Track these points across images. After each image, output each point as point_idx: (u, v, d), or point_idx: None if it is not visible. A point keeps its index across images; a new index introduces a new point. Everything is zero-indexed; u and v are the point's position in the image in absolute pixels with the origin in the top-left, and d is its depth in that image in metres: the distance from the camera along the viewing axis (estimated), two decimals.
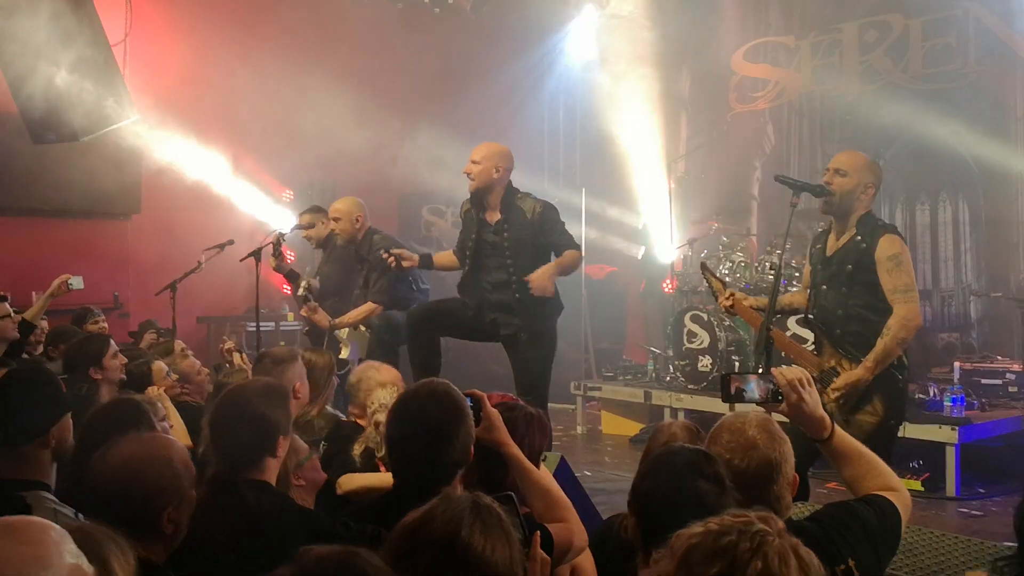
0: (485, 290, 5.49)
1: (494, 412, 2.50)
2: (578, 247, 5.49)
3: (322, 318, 6.11)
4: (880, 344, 3.99)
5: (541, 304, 5.37)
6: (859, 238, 4.15)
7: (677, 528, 1.54)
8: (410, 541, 1.68)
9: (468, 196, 5.53)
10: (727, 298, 4.46)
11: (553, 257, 5.45)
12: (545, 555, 1.91)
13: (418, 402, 2.42)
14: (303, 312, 6.23)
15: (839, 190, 4.17)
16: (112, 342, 4.47)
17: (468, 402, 2.47)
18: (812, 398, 2.43)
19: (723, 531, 1.48)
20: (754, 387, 2.44)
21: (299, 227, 6.99)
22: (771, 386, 2.42)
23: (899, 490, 2.47)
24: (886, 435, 3.98)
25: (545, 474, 2.62)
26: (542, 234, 5.39)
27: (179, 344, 5.26)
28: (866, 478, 2.46)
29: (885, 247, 4.06)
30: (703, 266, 4.82)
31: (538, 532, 1.92)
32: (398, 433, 2.41)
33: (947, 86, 8.36)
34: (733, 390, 2.46)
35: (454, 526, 1.67)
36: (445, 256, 5.93)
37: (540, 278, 5.29)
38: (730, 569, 1.43)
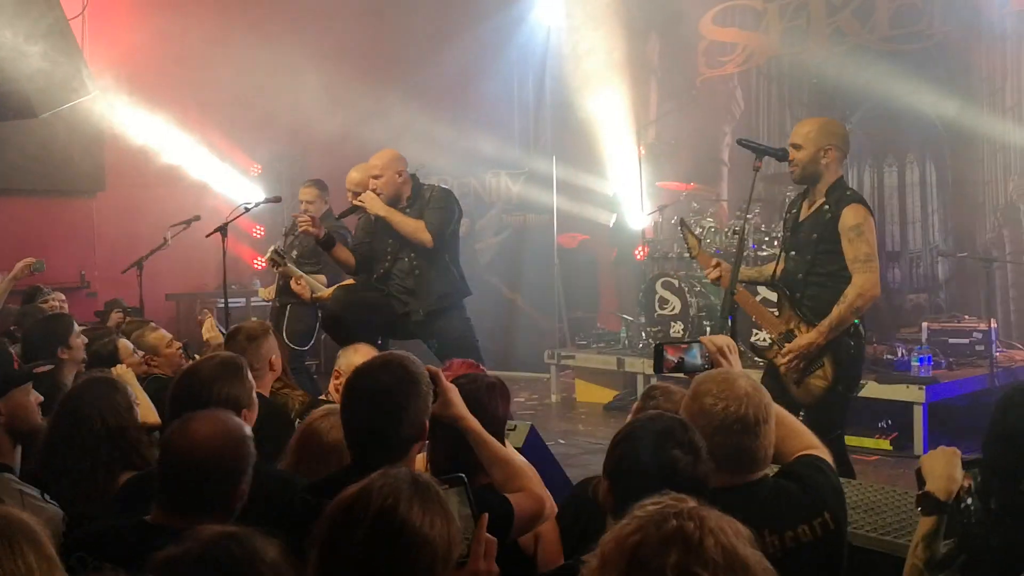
0: (396, 281, 5.38)
1: (451, 386, 2.47)
2: (433, 231, 5.24)
3: (303, 289, 6.03)
4: (835, 311, 4.04)
5: (437, 284, 5.30)
6: (826, 207, 4.18)
7: (648, 495, 1.50)
8: (345, 516, 1.65)
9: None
10: (714, 268, 4.40)
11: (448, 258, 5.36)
12: (492, 537, 1.89)
13: (371, 372, 2.40)
14: (291, 284, 6.16)
15: (799, 163, 4.21)
16: (74, 320, 4.43)
17: (427, 376, 2.43)
18: (735, 364, 2.60)
19: (660, 519, 1.42)
20: (696, 354, 2.56)
21: (267, 201, 6.92)
22: (705, 354, 2.55)
23: (821, 447, 2.60)
24: (834, 400, 4.05)
25: (505, 445, 2.61)
26: (425, 211, 5.29)
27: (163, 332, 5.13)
28: (791, 438, 2.57)
29: (849, 217, 4.09)
30: (682, 222, 4.76)
31: (485, 515, 1.90)
32: (350, 403, 2.39)
33: (913, 47, 8.36)
34: (675, 361, 2.55)
35: (391, 502, 1.64)
36: (345, 252, 5.61)
37: (372, 197, 5.26)
38: (686, 552, 1.38)
